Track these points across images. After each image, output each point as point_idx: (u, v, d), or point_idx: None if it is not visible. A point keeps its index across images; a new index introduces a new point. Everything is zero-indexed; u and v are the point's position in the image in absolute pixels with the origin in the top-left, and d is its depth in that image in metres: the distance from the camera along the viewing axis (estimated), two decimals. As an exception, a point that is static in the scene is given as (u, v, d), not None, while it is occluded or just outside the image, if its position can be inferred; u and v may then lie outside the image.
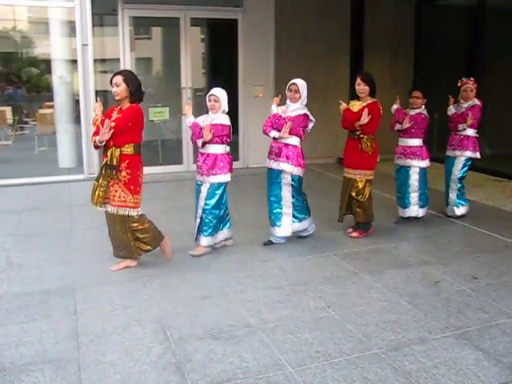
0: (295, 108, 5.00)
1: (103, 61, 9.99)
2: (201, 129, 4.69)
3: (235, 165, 5.22)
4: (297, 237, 5.33)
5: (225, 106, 4.82)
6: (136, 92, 4.34)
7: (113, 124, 4.19)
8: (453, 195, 6.06)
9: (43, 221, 6.14)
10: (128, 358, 3.18)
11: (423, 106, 5.77)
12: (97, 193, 4.33)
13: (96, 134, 4.28)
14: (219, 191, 4.83)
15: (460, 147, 5.96)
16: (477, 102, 5.88)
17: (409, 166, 5.80)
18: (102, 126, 4.16)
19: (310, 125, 5.09)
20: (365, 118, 5.07)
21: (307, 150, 5.32)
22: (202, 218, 4.84)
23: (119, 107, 4.38)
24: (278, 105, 5.10)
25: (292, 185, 5.04)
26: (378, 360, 3.15)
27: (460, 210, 6.09)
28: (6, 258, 4.92)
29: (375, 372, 3.03)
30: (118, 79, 4.28)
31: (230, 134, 4.85)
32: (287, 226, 5.12)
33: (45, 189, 7.68)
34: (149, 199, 6.60)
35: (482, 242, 5.33)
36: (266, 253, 5.02)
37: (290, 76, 5.23)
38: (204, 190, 4.82)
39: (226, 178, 4.83)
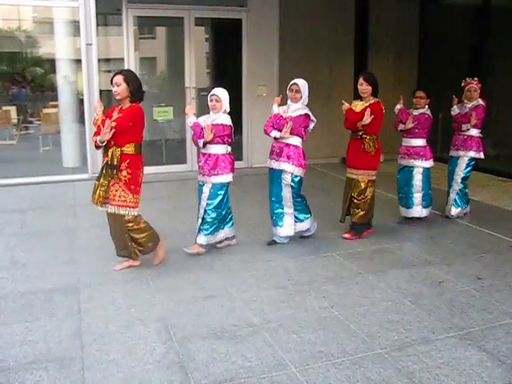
0: (296, 108, 5.00)
1: (107, 60, 9.99)
2: (202, 129, 4.69)
3: (239, 164, 5.23)
4: (300, 237, 5.33)
5: (226, 106, 4.81)
6: (136, 91, 4.34)
7: (113, 124, 4.19)
8: (453, 194, 6.04)
9: (47, 220, 6.16)
10: (131, 357, 3.19)
11: (427, 106, 5.77)
12: (97, 192, 4.32)
13: (97, 134, 4.29)
14: (221, 191, 4.83)
15: (463, 147, 5.95)
16: (481, 102, 5.87)
17: (412, 166, 5.79)
18: (103, 126, 4.16)
19: (311, 125, 5.08)
20: (367, 118, 5.06)
21: (311, 149, 5.33)
22: (203, 217, 4.84)
23: (120, 107, 4.38)
24: (280, 105, 5.09)
25: (291, 186, 5.03)
26: (381, 360, 3.15)
27: (455, 211, 6.06)
28: (10, 257, 4.94)
29: (378, 372, 3.03)
30: (119, 79, 4.28)
31: (232, 134, 4.84)
32: (289, 225, 5.11)
33: (49, 188, 7.71)
34: (152, 199, 6.64)
35: (485, 243, 5.31)
36: (269, 253, 5.02)
37: (293, 76, 5.22)
38: (206, 190, 4.83)
39: (227, 178, 4.83)
